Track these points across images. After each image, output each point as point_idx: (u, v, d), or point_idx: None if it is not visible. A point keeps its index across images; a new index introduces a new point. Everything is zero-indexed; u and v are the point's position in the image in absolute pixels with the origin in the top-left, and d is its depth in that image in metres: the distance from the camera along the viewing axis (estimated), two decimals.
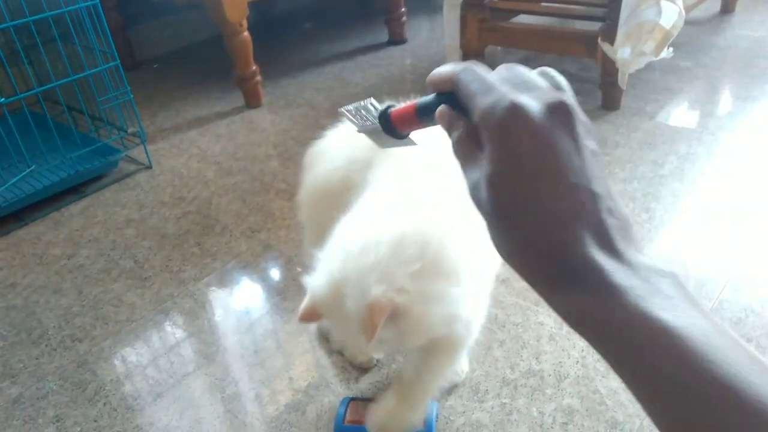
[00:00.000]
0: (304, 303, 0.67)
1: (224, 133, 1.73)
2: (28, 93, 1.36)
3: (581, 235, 0.31)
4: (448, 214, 0.69)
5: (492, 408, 0.86)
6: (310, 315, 0.67)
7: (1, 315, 1.12)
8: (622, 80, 1.54)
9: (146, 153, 1.58)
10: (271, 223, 1.31)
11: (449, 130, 0.38)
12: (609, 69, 1.55)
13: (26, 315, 1.12)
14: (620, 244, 0.32)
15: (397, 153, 0.75)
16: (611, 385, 0.88)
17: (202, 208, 1.39)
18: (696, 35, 2.09)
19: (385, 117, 0.49)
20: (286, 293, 1.12)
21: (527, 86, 0.35)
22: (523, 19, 1.89)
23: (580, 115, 0.34)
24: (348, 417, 0.84)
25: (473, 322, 0.77)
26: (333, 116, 1.97)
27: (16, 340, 1.06)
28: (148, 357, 1.01)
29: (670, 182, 1.33)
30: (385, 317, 0.60)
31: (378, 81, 1.97)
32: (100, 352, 1.03)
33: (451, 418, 0.85)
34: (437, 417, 0.85)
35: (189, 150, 1.66)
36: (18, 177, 1.38)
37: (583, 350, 0.94)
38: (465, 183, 0.36)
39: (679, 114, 1.64)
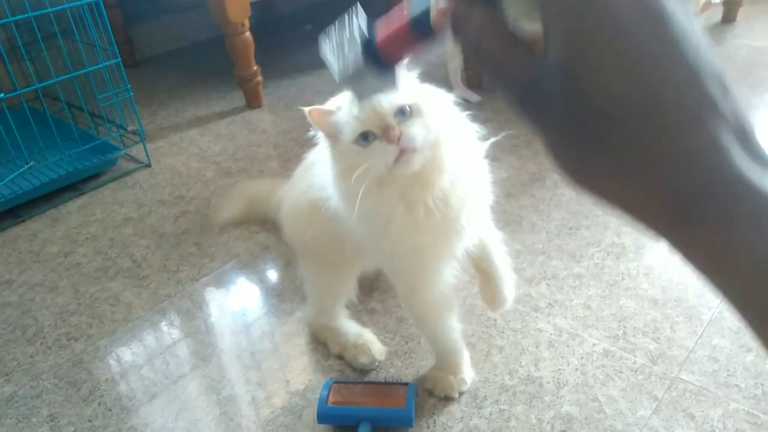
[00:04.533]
0: None
1: (224, 133, 1.72)
2: (28, 89, 1.35)
3: (720, 138, 0.22)
4: None
5: (490, 414, 0.86)
6: None
7: None
8: None
9: (145, 151, 1.57)
10: (270, 225, 1.31)
11: (460, 26, 0.28)
12: None
13: (22, 312, 1.11)
14: (761, 148, 0.23)
15: None
16: (610, 393, 0.87)
17: (201, 207, 1.39)
18: None
19: (369, 47, 0.38)
20: (283, 295, 1.11)
21: None
22: None
23: None
24: (331, 399, 0.85)
25: None
26: None
27: (10, 337, 1.06)
28: (143, 357, 1.00)
29: None
30: None
31: None
32: (96, 352, 1.02)
33: (449, 424, 0.85)
34: (416, 394, 0.86)
35: (188, 149, 1.65)
36: (16, 173, 1.37)
37: (582, 357, 0.93)
38: (505, 92, 0.26)
39: None
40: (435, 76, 2.02)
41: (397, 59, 0.37)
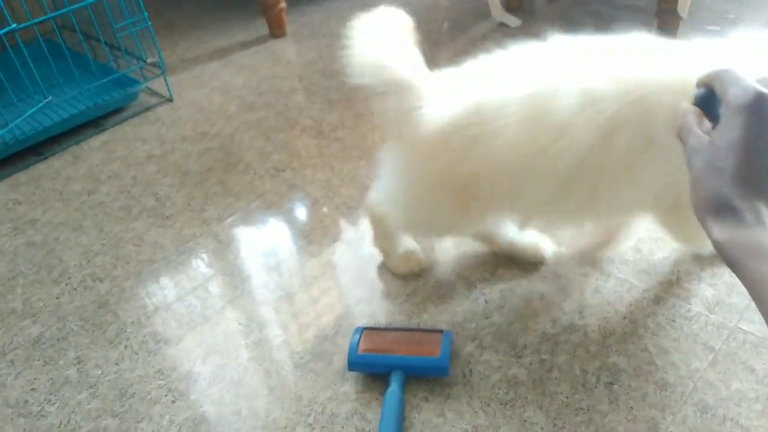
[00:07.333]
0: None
1: (247, 65, 1.64)
2: (42, 19, 1.28)
3: (758, 200, 0.45)
4: None
5: (530, 364, 0.81)
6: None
7: (22, 251, 1.10)
8: (683, 7, 1.39)
9: (166, 85, 1.50)
10: (296, 162, 1.25)
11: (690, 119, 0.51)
12: None
13: (46, 252, 1.09)
14: None
15: None
16: (662, 343, 0.81)
17: (225, 144, 1.33)
18: None
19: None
20: (311, 236, 1.06)
21: None
22: None
23: None
24: (362, 345, 0.82)
25: None
26: None
27: (36, 278, 1.04)
28: (169, 299, 0.97)
29: None
30: None
31: (408, 11, 1.83)
32: (121, 293, 0.99)
33: (486, 374, 0.80)
34: (451, 342, 0.82)
35: (211, 82, 1.58)
36: (35, 108, 1.32)
37: (631, 305, 0.87)
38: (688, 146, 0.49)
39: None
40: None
41: None
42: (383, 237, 0.96)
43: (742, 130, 0.45)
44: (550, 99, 0.70)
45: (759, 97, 0.45)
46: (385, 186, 0.89)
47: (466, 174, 0.75)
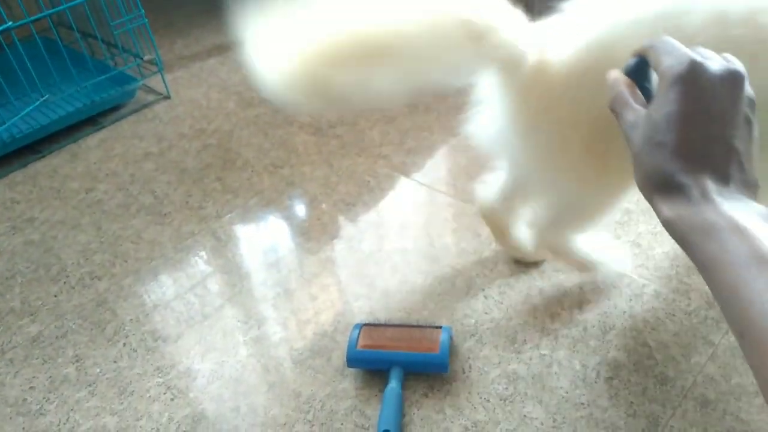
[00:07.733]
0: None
1: (245, 62, 1.63)
2: (38, 16, 1.28)
3: (701, 174, 0.43)
4: None
5: (530, 359, 0.80)
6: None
7: (20, 250, 1.09)
8: None
9: (164, 82, 1.50)
10: (295, 159, 1.24)
11: (619, 88, 0.49)
12: None
13: (44, 251, 1.09)
14: (734, 191, 0.42)
15: None
16: (662, 338, 0.81)
17: (223, 141, 1.32)
18: None
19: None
20: (310, 233, 1.06)
21: (708, 55, 0.45)
22: None
23: (748, 87, 0.44)
24: (361, 342, 0.81)
25: None
26: None
27: (34, 276, 1.03)
28: (168, 297, 0.97)
29: None
30: None
31: None
32: (120, 291, 0.99)
33: (486, 369, 0.80)
34: (451, 338, 0.82)
35: (209, 79, 1.57)
36: (32, 106, 1.32)
37: (630, 299, 0.87)
38: (624, 120, 0.47)
39: None
40: None
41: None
42: (509, 234, 0.90)
43: (679, 103, 0.43)
44: (679, 17, 0.61)
45: (693, 66, 0.43)
46: (517, 177, 0.79)
47: (601, 116, 0.62)
